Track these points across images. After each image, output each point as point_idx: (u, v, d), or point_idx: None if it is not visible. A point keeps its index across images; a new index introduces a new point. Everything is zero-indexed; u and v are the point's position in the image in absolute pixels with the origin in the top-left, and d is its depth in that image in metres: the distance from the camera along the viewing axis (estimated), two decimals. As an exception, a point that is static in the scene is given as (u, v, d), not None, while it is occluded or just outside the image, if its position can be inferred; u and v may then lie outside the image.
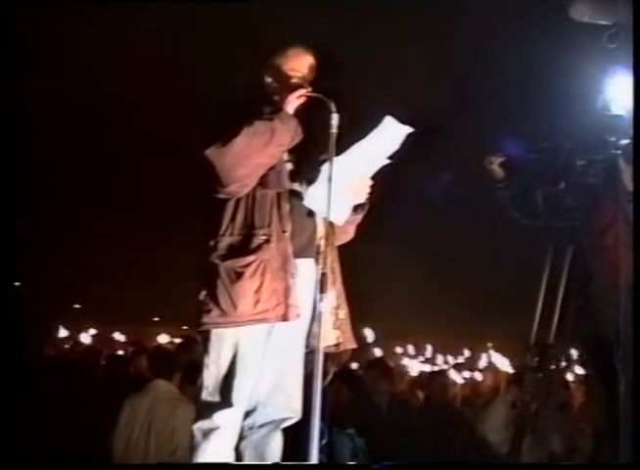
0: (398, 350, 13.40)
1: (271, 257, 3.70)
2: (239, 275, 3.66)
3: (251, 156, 3.64)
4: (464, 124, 8.29)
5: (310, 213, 3.82)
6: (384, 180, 3.93)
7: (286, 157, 3.85)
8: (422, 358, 13.20)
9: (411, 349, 13.47)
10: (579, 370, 5.69)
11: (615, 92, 4.37)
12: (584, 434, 6.78)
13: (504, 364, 11.59)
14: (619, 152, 4.31)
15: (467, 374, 12.32)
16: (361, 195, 3.91)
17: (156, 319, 21.72)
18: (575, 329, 4.75)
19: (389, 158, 3.79)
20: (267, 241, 3.71)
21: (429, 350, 13.31)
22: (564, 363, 5.08)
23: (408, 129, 3.70)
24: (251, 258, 3.69)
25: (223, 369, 3.71)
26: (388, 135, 3.72)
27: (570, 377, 7.45)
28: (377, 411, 7.52)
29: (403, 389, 8.49)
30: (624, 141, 4.30)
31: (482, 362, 13.03)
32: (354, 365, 8.67)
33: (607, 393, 4.62)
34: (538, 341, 4.75)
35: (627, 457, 4.07)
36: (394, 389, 8.67)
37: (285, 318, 3.71)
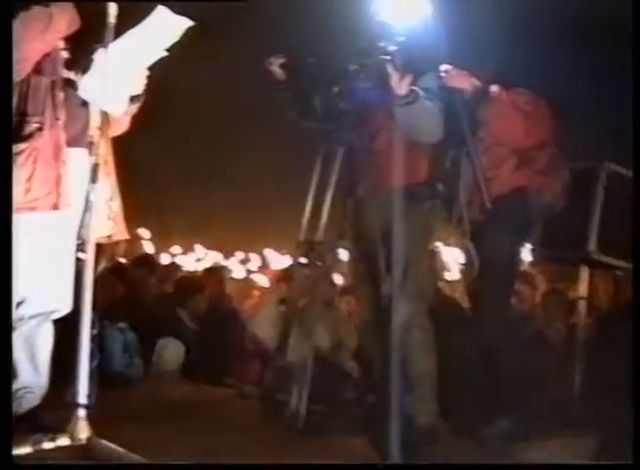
0: (173, 249, 13.32)
1: (43, 145, 3.65)
2: None
3: (28, 41, 3.55)
4: (248, 23, 8.27)
5: (84, 103, 3.77)
6: (162, 72, 3.91)
7: (61, 45, 3.76)
8: (195, 257, 13.18)
9: (185, 247, 13.40)
10: (347, 268, 5.90)
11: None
12: (351, 330, 7.08)
13: (277, 263, 11.81)
14: (388, 57, 4.43)
15: (242, 272, 12.46)
16: (137, 86, 3.89)
17: None
18: (344, 228, 4.92)
19: (168, 50, 3.77)
20: (40, 129, 3.65)
21: (201, 248, 13.26)
22: (331, 261, 5.26)
23: (183, 21, 3.69)
24: (22, 145, 3.62)
25: None
26: (161, 25, 3.68)
27: (336, 275, 7.72)
28: (149, 307, 7.59)
29: (178, 287, 8.50)
30: (392, 47, 4.42)
31: (257, 261, 13.19)
32: (124, 261, 8.64)
33: (370, 291, 4.81)
34: (307, 239, 4.88)
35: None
36: (163, 286, 8.73)
37: (56, 207, 3.67)
